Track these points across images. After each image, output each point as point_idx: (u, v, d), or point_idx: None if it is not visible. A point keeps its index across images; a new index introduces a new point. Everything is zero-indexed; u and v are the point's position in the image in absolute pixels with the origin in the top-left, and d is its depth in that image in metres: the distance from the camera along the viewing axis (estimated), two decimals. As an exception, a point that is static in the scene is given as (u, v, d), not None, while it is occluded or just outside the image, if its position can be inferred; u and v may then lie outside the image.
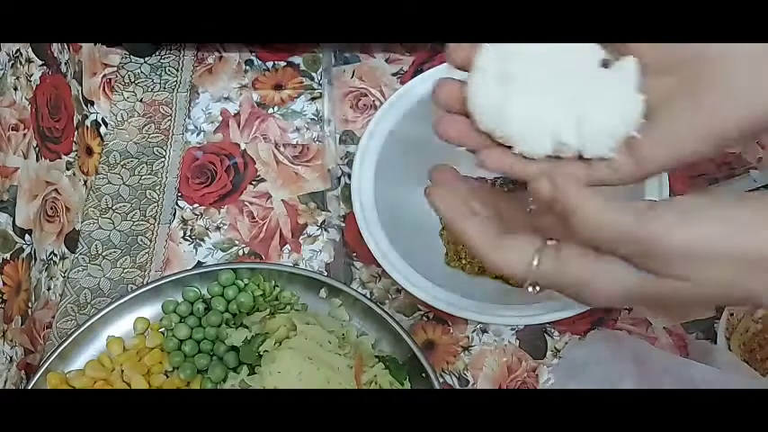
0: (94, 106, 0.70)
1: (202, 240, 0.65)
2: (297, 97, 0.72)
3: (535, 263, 0.37)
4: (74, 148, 0.65)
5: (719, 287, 0.35)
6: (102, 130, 0.70)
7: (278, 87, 0.73)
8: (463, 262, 0.60)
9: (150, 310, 0.59)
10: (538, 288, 0.38)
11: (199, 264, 0.64)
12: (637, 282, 0.36)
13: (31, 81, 0.59)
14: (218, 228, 0.66)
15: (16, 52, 0.57)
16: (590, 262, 0.37)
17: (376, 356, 0.55)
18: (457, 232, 0.39)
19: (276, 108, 0.71)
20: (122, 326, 0.58)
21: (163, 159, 0.69)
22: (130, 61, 0.74)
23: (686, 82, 0.37)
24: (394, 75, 0.72)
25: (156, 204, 0.67)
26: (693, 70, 0.37)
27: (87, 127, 0.68)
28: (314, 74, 0.73)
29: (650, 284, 0.36)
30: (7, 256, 0.55)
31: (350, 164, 0.68)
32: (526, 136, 0.37)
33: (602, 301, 0.38)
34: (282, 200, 0.67)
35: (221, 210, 0.67)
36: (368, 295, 0.60)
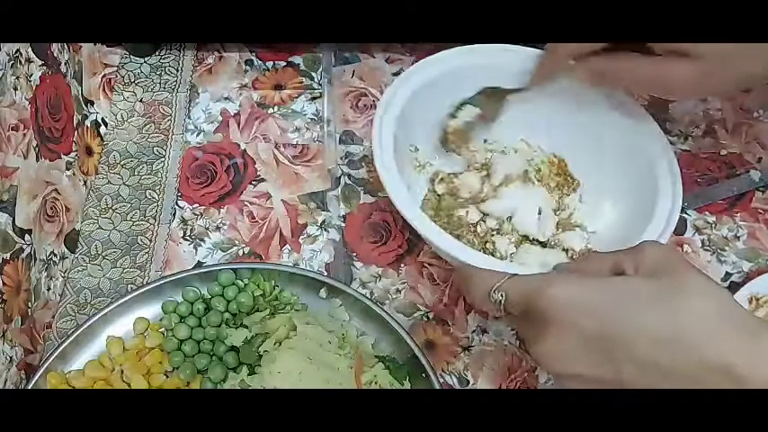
0: (94, 106, 0.70)
1: (202, 240, 0.65)
2: (297, 97, 0.72)
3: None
4: (74, 148, 0.65)
5: None
6: (102, 130, 0.70)
7: (278, 87, 0.73)
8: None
9: (150, 310, 0.59)
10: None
11: (199, 264, 0.64)
12: None
13: (30, 81, 0.59)
14: (218, 228, 0.66)
15: (16, 52, 0.57)
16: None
17: (376, 356, 0.55)
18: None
19: (276, 108, 0.71)
20: (122, 326, 0.58)
21: (163, 159, 0.69)
22: (130, 61, 0.74)
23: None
24: (394, 75, 0.72)
25: (155, 204, 0.67)
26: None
27: (87, 127, 0.68)
28: (314, 74, 0.73)
29: None
30: (7, 256, 0.55)
31: (350, 164, 0.68)
32: None
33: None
34: (282, 200, 0.67)
35: (221, 210, 0.67)
36: (368, 295, 0.60)
